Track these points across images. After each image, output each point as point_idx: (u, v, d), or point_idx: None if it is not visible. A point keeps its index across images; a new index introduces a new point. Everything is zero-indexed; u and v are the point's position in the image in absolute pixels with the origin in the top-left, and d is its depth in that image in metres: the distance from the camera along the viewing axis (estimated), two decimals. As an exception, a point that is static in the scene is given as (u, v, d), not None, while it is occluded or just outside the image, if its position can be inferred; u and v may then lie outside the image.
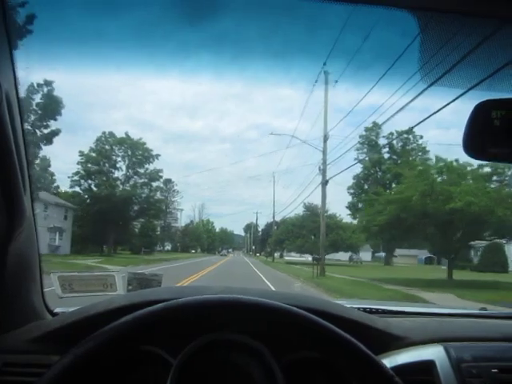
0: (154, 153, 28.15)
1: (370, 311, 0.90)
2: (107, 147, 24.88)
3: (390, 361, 0.67)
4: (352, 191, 24.72)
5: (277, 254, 43.20)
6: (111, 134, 25.06)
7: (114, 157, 25.64)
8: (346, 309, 0.77)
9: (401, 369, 0.63)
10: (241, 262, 24.22)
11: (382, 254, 29.69)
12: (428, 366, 0.69)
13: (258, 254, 41.07)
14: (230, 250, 69.72)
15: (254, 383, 0.67)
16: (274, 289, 6.81)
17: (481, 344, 0.77)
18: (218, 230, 72.32)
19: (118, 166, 25.57)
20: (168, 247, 47.60)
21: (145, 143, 26.45)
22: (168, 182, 46.07)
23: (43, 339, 0.72)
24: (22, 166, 0.73)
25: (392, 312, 1.00)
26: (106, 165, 24.72)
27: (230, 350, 0.67)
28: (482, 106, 0.56)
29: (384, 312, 0.97)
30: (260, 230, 54.24)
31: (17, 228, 0.74)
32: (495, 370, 0.68)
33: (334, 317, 0.66)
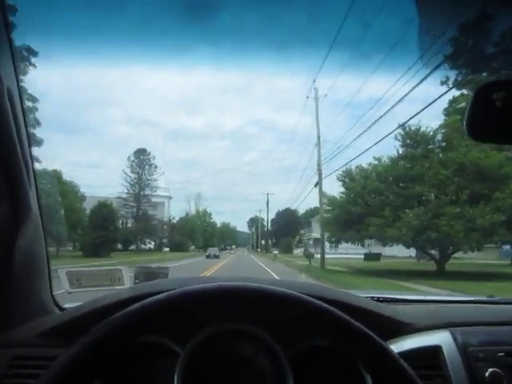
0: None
1: (378, 300, 0.97)
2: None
3: (397, 347, 0.72)
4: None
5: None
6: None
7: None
8: (353, 296, 0.85)
9: (408, 354, 0.69)
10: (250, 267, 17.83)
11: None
12: (434, 351, 0.75)
13: (275, 252, 34.88)
14: (234, 247, 67.29)
15: (261, 373, 0.71)
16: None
17: (487, 328, 0.83)
18: (219, 225, 68.44)
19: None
20: (150, 245, 39.15)
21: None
22: (141, 152, 37.07)
23: (52, 333, 0.79)
24: (26, 161, 0.78)
25: (398, 300, 1.09)
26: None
27: (236, 340, 0.71)
28: (483, 88, 0.59)
29: (391, 300, 1.06)
30: (269, 221, 50.47)
31: (23, 223, 0.80)
32: (502, 354, 0.74)
33: (342, 304, 0.71)
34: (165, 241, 40.20)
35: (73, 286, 1.05)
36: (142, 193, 37.33)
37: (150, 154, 37.57)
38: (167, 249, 39.06)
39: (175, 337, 0.69)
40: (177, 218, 49.33)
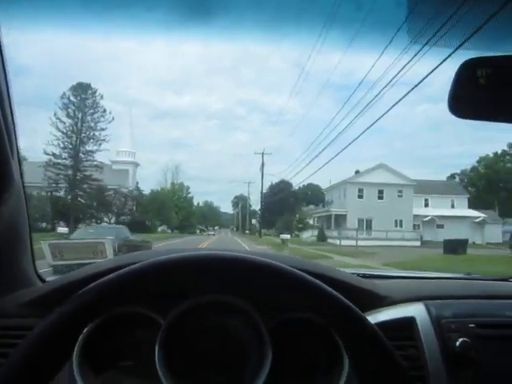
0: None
1: (358, 275, 1.16)
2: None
3: (373, 318, 0.90)
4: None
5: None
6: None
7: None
8: (334, 271, 1.04)
9: (383, 325, 0.84)
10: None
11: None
12: (409, 323, 0.95)
13: (283, 236, 29.14)
14: (216, 228, 68.10)
15: (242, 344, 0.88)
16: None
17: (461, 301, 1.03)
18: (201, 204, 68.54)
19: None
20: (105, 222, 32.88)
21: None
22: (82, 89, 31.11)
23: (32, 304, 0.93)
24: (8, 128, 0.87)
25: (378, 276, 1.35)
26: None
27: (218, 311, 0.88)
28: (467, 64, 0.69)
29: (370, 276, 1.28)
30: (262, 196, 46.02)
31: (6, 191, 0.90)
32: (472, 325, 0.94)
33: (322, 276, 0.82)
34: (124, 218, 35.08)
35: (55, 258, 1.30)
36: (82, 148, 31.75)
37: (96, 91, 31.70)
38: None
39: (156, 307, 0.85)
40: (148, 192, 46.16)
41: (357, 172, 37.98)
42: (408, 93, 10.01)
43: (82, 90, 31.42)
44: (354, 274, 1.15)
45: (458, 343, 0.90)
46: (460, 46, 0.88)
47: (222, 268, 0.67)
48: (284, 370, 0.89)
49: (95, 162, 32.54)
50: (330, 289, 0.66)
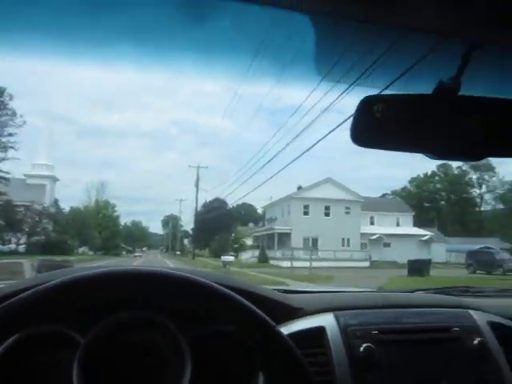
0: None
1: (279, 291, 1.28)
2: None
3: (286, 329, 1.00)
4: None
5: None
6: None
7: None
8: (250, 284, 1.14)
9: (295, 335, 0.95)
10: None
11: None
12: (319, 332, 1.06)
13: (225, 259, 25.62)
14: (145, 249, 66.40)
15: (162, 359, 0.90)
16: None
17: (368, 311, 1.16)
18: (129, 223, 69.62)
19: None
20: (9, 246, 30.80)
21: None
22: None
23: None
24: None
25: (294, 291, 1.41)
26: None
27: (137, 328, 0.90)
28: (365, 101, 0.82)
29: (286, 291, 1.36)
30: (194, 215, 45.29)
31: None
32: (375, 332, 1.06)
33: (238, 289, 0.88)
34: (38, 239, 33.47)
35: None
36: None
37: (4, 91, 29.29)
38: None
39: (75, 326, 0.85)
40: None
41: (299, 188, 37.15)
42: (329, 133, 11.58)
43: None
44: (274, 289, 1.25)
45: (362, 348, 1.02)
46: (359, 83, 1.02)
47: (140, 283, 0.70)
48: (204, 382, 0.92)
49: (0, 173, 29.85)
50: (244, 301, 0.72)
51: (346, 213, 33.87)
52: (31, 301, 0.66)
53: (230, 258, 24.05)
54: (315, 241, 32.32)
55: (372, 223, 36.71)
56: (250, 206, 61.81)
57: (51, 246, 31.01)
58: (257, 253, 33.87)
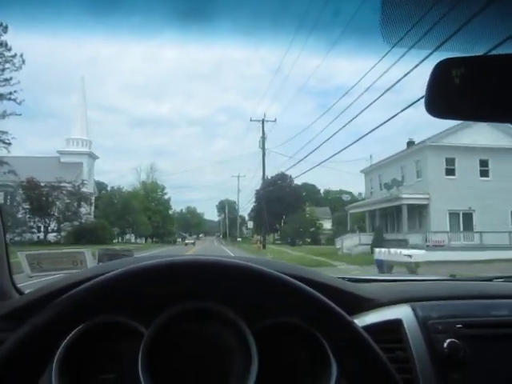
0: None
1: (344, 279, 1.35)
2: None
3: (360, 321, 1.04)
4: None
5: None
6: None
7: None
8: (318, 274, 1.20)
9: (370, 329, 0.93)
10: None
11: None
12: (395, 325, 1.10)
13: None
14: (201, 236, 68.36)
15: (227, 351, 1.00)
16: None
17: (447, 302, 1.20)
18: (184, 210, 73.98)
19: None
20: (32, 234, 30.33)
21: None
22: None
23: (9, 317, 1.06)
24: None
25: (362, 280, 1.55)
26: None
27: (201, 319, 0.99)
28: (442, 65, 0.81)
29: (355, 280, 1.46)
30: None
31: None
32: (459, 326, 1.08)
33: (308, 280, 0.96)
34: (70, 225, 33.11)
35: (34, 269, 1.41)
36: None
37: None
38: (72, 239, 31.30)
39: (138, 316, 0.95)
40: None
41: (410, 143, 28.37)
42: (383, 93, 11.34)
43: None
44: (339, 278, 1.32)
45: (446, 344, 1.02)
46: (437, 48, 1.01)
47: (203, 273, 0.75)
48: (271, 375, 1.01)
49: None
50: (315, 292, 0.75)
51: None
52: (95, 291, 0.72)
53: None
54: (468, 217, 24.90)
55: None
56: (313, 186, 60.91)
57: (88, 233, 31.16)
58: (363, 238, 25.41)
